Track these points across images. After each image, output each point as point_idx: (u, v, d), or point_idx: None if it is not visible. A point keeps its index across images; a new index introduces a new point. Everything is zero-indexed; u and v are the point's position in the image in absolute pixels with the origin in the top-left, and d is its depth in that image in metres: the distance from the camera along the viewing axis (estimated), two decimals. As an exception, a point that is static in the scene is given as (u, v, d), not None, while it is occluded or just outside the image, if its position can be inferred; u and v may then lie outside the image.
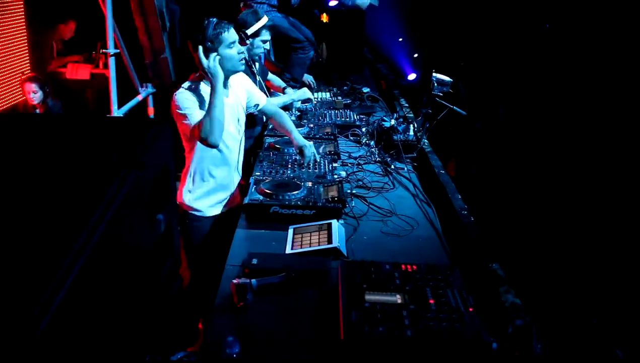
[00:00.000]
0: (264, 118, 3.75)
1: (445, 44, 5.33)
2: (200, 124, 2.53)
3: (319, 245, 2.27)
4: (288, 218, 2.51)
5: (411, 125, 3.52)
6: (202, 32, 2.56)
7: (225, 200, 2.88)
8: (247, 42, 3.60)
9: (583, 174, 2.92)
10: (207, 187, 2.81)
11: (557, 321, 2.12)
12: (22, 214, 1.01)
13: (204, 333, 1.86)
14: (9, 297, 0.82)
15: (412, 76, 6.43)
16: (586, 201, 2.84)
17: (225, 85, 2.72)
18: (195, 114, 2.58)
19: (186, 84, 2.67)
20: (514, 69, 3.96)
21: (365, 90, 4.67)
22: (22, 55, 5.85)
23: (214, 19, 2.60)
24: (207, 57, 2.57)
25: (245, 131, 3.03)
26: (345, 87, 4.94)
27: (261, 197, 2.61)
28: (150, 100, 5.85)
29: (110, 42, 4.83)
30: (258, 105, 3.05)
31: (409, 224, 2.59)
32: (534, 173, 3.41)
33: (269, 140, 3.49)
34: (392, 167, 3.25)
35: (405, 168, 3.21)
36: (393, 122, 3.53)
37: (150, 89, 5.75)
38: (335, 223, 2.40)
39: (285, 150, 3.25)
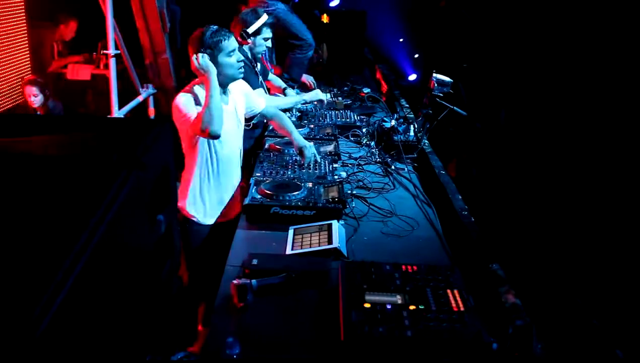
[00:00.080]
0: (265, 120, 3.75)
1: (446, 44, 5.34)
2: (199, 116, 2.55)
3: (319, 245, 2.27)
4: (288, 219, 2.51)
5: (411, 126, 3.52)
6: (201, 39, 2.58)
7: (225, 204, 2.88)
8: (249, 40, 3.61)
9: (583, 176, 2.93)
10: (208, 192, 2.81)
11: (557, 321, 2.12)
12: (23, 215, 1.01)
13: (204, 333, 1.86)
14: (10, 297, 0.82)
15: (412, 77, 6.43)
16: (586, 203, 2.84)
17: (224, 92, 2.75)
18: (194, 112, 2.61)
19: (186, 90, 2.69)
20: (517, 72, 3.97)
21: (366, 90, 4.67)
22: (23, 56, 5.85)
23: (214, 27, 2.62)
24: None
25: (245, 131, 3.03)
26: (345, 88, 4.94)
27: (262, 198, 2.61)
28: (150, 100, 5.85)
29: (110, 43, 4.83)
30: (259, 112, 3.06)
31: (409, 225, 2.59)
32: (534, 175, 3.41)
33: (270, 141, 3.49)
34: (393, 167, 3.25)
35: (406, 168, 3.21)
36: (393, 122, 3.53)
37: (150, 89, 5.76)
38: (335, 224, 2.40)
39: (286, 151, 3.25)
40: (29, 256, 0.89)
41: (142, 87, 5.68)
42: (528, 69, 3.80)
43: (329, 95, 4.63)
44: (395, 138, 3.43)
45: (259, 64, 3.84)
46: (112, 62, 4.87)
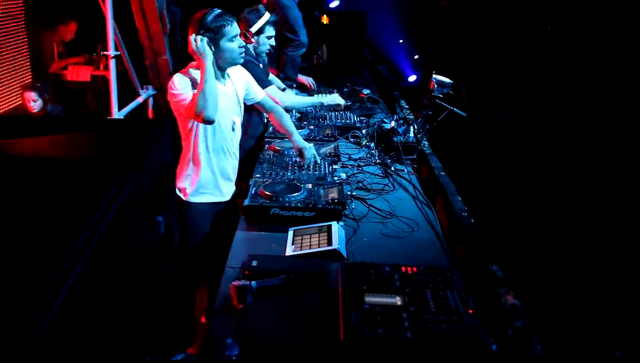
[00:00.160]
0: (266, 119, 3.76)
1: (446, 45, 5.34)
2: (193, 99, 2.55)
3: (318, 247, 2.27)
4: (288, 220, 2.51)
5: (411, 127, 3.53)
6: (202, 21, 2.58)
7: (223, 188, 2.88)
8: (253, 39, 3.61)
9: (583, 178, 2.93)
10: (205, 173, 2.79)
11: (556, 322, 2.12)
12: (24, 215, 1.01)
13: (203, 335, 1.86)
14: (10, 297, 0.82)
15: (412, 78, 6.44)
16: (586, 204, 2.84)
17: (223, 75, 2.75)
18: (190, 94, 2.60)
19: (182, 71, 2.70)
20: (518, 74, 3.97)
21: (366, 91, 4.67)
22: (23, 57, 5.85)
23: (218, 10, 2.62)
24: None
25: (247, 130, 3.02)
26: (345, 89, 4.94)
27: (261, 199, 2.61)
28: (150, 101, 5.85)
29: (110, 44, 4.84)
30: (257, 101, 3.05)
31: (409, 226, 2.59)
32: (534, 176, 3.42)
33: (269, 142, 3.49)
34: (392, 168, 3.26)
35: (406, 170, 3.21)
36: (393, 123, 3.53)
37: (150, 90, 5.76)
38: (335, 225, 2.40)
39: (286, 152, 3.25)
40: (29, 256, 0.89)
41: (142, 88, 5.68)
42: (529, 70, 3.80)
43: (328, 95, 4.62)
44: (395, 139, 3.43)
45: (260, 65, 3.84)
46: (112, 63, 4.87)
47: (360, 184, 3.02)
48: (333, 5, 6.72)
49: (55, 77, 6.05)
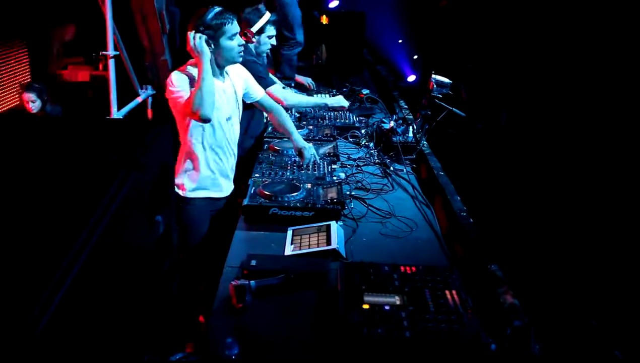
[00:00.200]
0: (266, 119, 3.76)
1: (446, 45, 5.34)
2: (190, 97, 2.55)
3: (317, 246, 2.27)
4: (287, 220, 2.51)
5: (410, 127, 3.53)
6: (202, 19, 2.58)
7: (221, 185, 2.88)
8: (254, 39, 3.61)
9: (582, 178, 2.93)
10: (202, 169, 2.79)
11: (555, 322, 2.12)
12: (23, 214, 1.01)
13: (202, 334, 1.86)
14: (9, 296, 0.83)
15: (411, 78, 6.44)
16: (585, 204, 2.84)
17: (221, 73, 2.75)
18: (187, 92, 2.60)
19: (180, 69, 2.70)
20: (518, 74, 3.97)
21: (365, 91, 4.67)
22: (22, 57, 5.85)
23: (218, 8, 2.62)
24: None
25: (247, 130, 3.03)
26: (344, 89, 4.94)
27: (260, 199, 2.62)
28: (149, 101, 5.85)
29: (110, 44, 4.83)
30: (256, 100, 3.05)
31: (408, 226, 2.60)
32: (533, 176, 3.42)
33: (269, 141, 3.49)
34: (391, 168, 3.26)
35: (405, 169, 3.22)
36: (392, 123, 3.54)
37: (150, 90, 5.75)
38: (334, 225, 2.40)
39: (285, 152, 3.26)
40: (28, 255, 0.89)
41: (141, 88, 5.68)
42: (529, 70, 3.80)
43: (328, 95, 4.63)
44: (394, 139, 3.44)
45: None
46: (112, 63, 4.87)
47: (360, 184, 3.02)
48: (332, 5, 6.72)
49: (54, 77, 6.05)
